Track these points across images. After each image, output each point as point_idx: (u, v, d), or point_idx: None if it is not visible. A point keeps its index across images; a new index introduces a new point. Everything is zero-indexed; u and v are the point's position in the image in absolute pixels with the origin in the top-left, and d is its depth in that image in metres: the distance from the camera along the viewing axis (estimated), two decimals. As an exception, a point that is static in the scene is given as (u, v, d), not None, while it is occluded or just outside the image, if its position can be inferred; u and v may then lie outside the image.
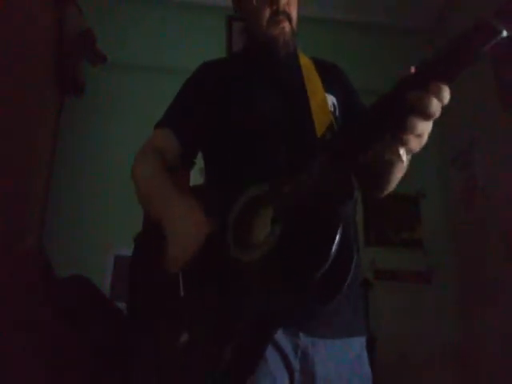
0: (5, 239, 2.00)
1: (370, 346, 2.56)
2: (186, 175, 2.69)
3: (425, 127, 0.68)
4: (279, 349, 0.90)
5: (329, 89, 1.11)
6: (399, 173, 1.00)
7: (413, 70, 0.69)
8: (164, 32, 3.11)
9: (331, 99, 1.10)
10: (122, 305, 2.06)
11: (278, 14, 1.09)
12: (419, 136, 0.69)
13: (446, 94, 0.64)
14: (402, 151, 0.72)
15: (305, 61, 1.19)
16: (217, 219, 0.88)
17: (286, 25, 1.10)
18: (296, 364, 0.91)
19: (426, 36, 3.35)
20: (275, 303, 0.78)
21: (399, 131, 0.68)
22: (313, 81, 1.12)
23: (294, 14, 1.13)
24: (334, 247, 0.70)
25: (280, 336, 0.90)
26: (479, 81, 2.75)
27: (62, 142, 2.77)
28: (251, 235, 0.85)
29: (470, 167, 2.80)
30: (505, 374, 2.31)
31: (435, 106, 0.65)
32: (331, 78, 1.17)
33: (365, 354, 1.03)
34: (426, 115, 0.66)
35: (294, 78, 1.13)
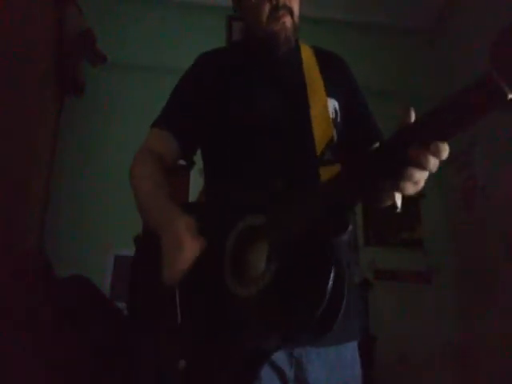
0: (5, 239, 2.00)
1: (370, 346, 2.57)
2: (185, 175, 2.70)
3: (422, 175, 0.70)
4: (274, 365, 0.91)
5: (331, 91, 1.09)
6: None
7: (412, 116, 0.68)
8: (164, 32, 3.11)
9: (333, 104, 1.08)
10: (122, 305, 2.06)
11: (279, 9, 1.04)
12: (416, 183, 0.72)
13: (445, 153, 0.66)
14: (397, 196, 0.73)
15: (307, 55, 1.15)
16: (212, 239, 0.89)
17: (288, 19, 1.06)
18: (291, 374, 0.92)
19: (425, 36, 3.35)
20: (273, 337, 0.79)
21: (397, 179, 0.70)
22: (314, 82, 1.09)
23: (295, 7, 1.08)
24: (330, 283, 0.72)
25: (275, 354, 0.89)
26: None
27: (62, 142, 2.77)
28: (246, 269, 0.85)
29: (469, 167, 2.80)
30: (505, 374, 2.31)
31: (433, 163, 0.67)
32: (334, 75, 1.13)
33: (357, 356, 1.02)
34: (423, 169, 0.68)
35: (294, 77, 1.10)
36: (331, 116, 1.06)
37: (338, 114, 1.09)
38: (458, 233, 2.89)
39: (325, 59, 1.15)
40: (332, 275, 0.72)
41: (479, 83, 0.58)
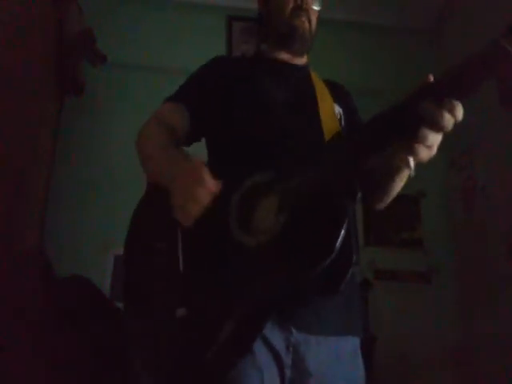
0: (5, 239, 2.00)
1: (370, 346, 2.57)
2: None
3: (435, 139, 0.70)
4: (270, 346, 0.90)
5: (336, 100, 1.14)
6: (400, 183, 1.02)
7: (431, 78, 0.70)
8: (164, 32, 3.11)
9: (338, 109, 1.13)
10: (122, 305, 2.06)
11: (301, 10, 1.17)
12: (429, 147, 0.72)
13: (459, 112, 0.67)
14: (410, 160, 0.74)
15: (314, 75, 1.22)
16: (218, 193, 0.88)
17: (306, 20, 1.18)
18: (288, 360, 0.91)
19: (426, 36, 3.35)
20: (276, 289, 0.79)
21: (411, 140, 0.70)
22: (321, 89, 1.15)
23: (313, 19, 1.20)
24: (339, 241, 0.72)
25: (272, 333, 0.90)
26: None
27: (62, 142, 2.77)
28: (254, 220, 0.85)
29: (469, 167, 2.80)
30: (504, 374, 2.31)
31: (447, 121, 0.67)
32: (338, 93, 1.20)
33: (359, 357, 1.01)
34: (437, 128, 0.68)
35: (303, 81, 1.16)
36: (337, 117, 1.09)
37: (342, 119, 1.13)
38: (458, 233, 2.89)
39: (331, 84, 1.23)
40: (342, 233, 0.73)
41: (489, 46, 0.62)
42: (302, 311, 0.91)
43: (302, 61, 1.25)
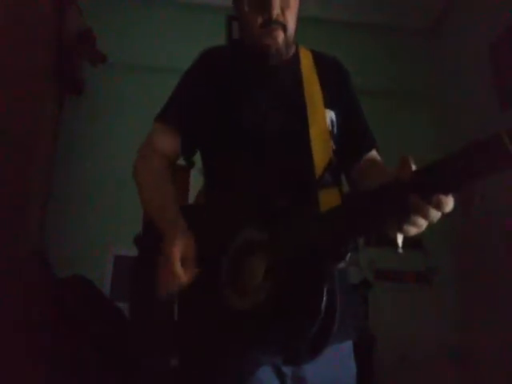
0: (5, 239, 2.00)
1: (370, 346, 2.57)
2: (185, 175, 2.70)
3: (423, 222, 0.68)
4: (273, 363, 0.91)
5: (329, 102, 1.07)
6: None
7: (412, 166, 0.66)
8: (164, 32, 3.11)
9: (330, 115, 1.07)
10: (122, 305, 2.06)
11: (271, 23, 1.03)
12: (418, 227, 0.69)
13: (448, 206, 0.64)
14: (399, 237, 0.71)
15: (306, 63, 1.13)
16: (210, 248, 0.90)
17: (280, 34, 1.04)
18: (287, 370, 0.91)
19: (426, 36, 3.35)
20: (267, 348, 0.82)
21: (400, 221, 0.68)
22: (314, 96, 1.07)
23: (290, 23, 1.06)
24: (324, 304, 0.74)
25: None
26: (479, 81, 2.75)
27: (62, 141, 2.77)
28: (244, 278, 0.87)
29: (469, 167, 2.80)
30: (504, 374, 2.31)
31: (434, 216, 0.65)
32: (333, 85, 1.12)
33: (351, 355, 1.03)
34: (426, 219, 0.66)
35: (294, 93, 1.08)
36: (329, 129, 1.05)
37: (335, 125, 1.08)
38: (457, 233, 2.89)
39: (324, 66, 1.13)
40: (325, 299, 0.74)
41: (486, 142, 0.56)
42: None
43: (287, 55, 1.14)
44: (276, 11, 1.02)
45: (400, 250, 0.72)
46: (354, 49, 3.19)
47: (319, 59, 1.15)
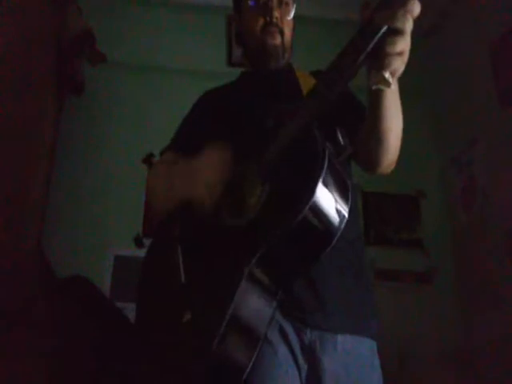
0: (5, 239, 2.00)
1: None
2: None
3: (403, 44, 0.70)
4: (288, 342, 0.91)
5: None
6: (395, 134, 1.04)
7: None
8: (164, 32, 3.11)
9: None
10: (121, 305, 2.06)
11: (272, 25, 1.16)
12: (400, 54, 0.71)
13: (414, 6, 0.66)
14: (387, 74, 0.73)
15: (301, 74, 1.20)
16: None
17: (278, 36, 1.17)
18: (302, 360, 0.91)
19: (425, 36, 3.35)
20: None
21: (380, 55, 0.70)
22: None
23: (287, 31, 1.18)
24: (320, 182, 0.75)
25: (288, 329, 0.91)
26: (479, 81, 2.75)
27: (62, 141, 2.77)
28: (243, 203, 0.90)
29: (469, 167, 2.80)
30: (505, 375, 2.31)
31: (404, 20, 0.67)
32: None
33: (377, 362, 1.02)
34: (398, 31, 0.68)
35: (292, 93, 1.13)
36: None
37: None
38: (457, 233, 2.89)
39: (318, 73, 1.20)
40: (323, 173, 0.75)
41: None
42: (311, 307, 0.93)
43: (283, 62, 1.23)
44: (276, 14, 1.16)
45: (393, 87, 0.76)
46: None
47: (312, 72, 1.23)
